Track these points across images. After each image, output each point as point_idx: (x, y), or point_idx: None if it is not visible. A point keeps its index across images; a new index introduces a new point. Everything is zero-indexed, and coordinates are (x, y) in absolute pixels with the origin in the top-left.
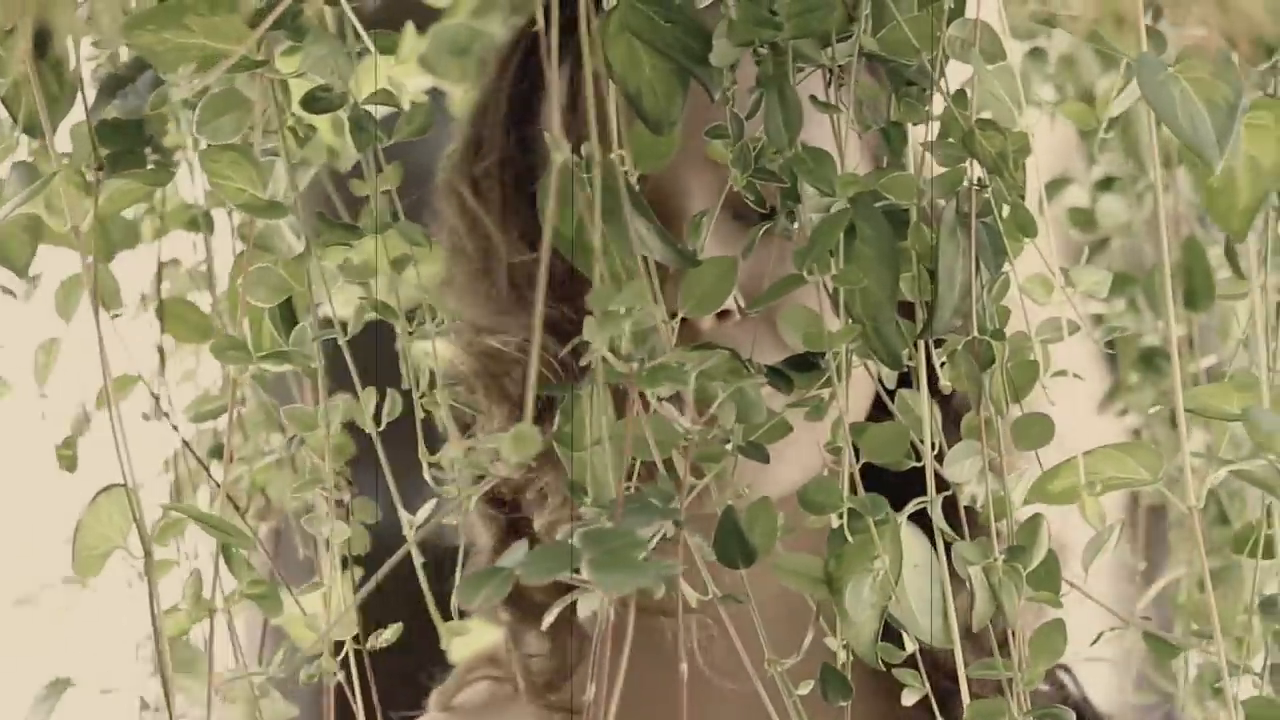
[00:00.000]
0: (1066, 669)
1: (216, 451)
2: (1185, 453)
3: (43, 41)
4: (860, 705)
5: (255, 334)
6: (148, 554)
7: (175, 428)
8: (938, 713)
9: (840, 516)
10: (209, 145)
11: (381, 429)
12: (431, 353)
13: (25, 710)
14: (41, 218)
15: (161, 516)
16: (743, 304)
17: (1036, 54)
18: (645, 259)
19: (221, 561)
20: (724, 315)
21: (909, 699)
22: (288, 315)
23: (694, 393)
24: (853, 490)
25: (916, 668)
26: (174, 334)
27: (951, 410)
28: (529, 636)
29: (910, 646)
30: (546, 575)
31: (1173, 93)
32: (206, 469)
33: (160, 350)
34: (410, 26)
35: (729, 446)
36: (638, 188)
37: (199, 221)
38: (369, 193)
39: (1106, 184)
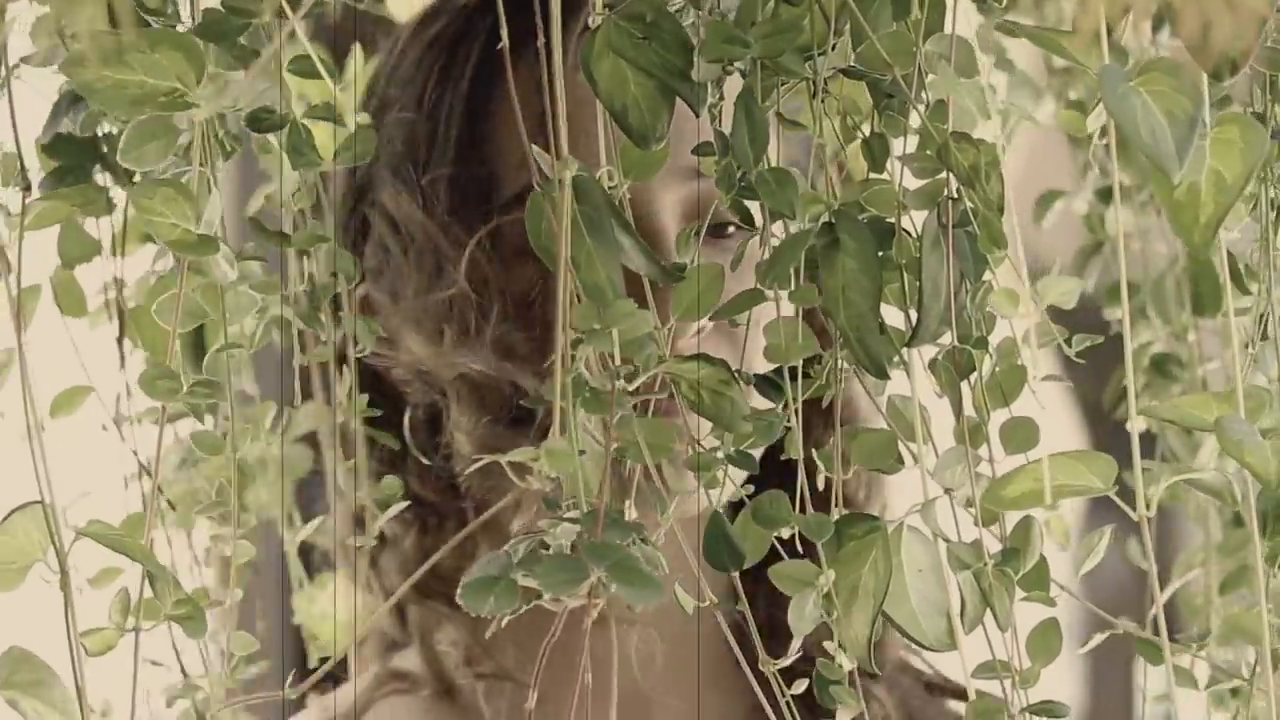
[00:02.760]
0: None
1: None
2: (1136, 461)
3: None
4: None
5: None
6: (63, 572)
7: (134, 451)
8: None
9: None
10: (139, 182)
11: None
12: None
13: None
14: None
15: (74, 539)
16: None
17: (1002, 64)
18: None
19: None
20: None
21: (843, 717)
22: (198, 343)
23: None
24: (801, 509)
25: (854, 684)
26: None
27: None
28: (440, 633)
29: (848, 665)
30: (563, 588)
31: (1134, 104)
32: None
33: (122, 356)
34: (358, 47)
35: (719, 455)
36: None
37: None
38: (301, 207)
39: (1108, 193)
